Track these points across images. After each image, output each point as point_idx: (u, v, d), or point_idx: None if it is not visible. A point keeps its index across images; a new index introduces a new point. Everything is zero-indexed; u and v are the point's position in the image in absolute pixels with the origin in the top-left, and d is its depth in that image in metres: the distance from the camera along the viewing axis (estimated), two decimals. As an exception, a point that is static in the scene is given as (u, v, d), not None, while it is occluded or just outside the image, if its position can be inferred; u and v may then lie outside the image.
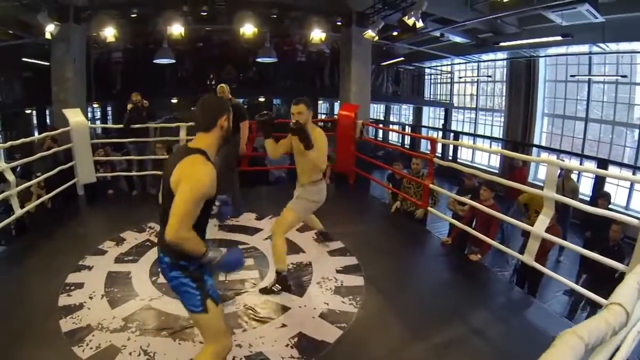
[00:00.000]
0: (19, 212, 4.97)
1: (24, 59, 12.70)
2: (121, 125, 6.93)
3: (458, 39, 11.78)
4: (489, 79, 14.73)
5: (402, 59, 15.45)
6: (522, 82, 12.53)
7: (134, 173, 7.07)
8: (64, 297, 3.54)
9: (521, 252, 3.95)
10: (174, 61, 10.89)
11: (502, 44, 10.56)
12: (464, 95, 16.38)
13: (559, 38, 8.79)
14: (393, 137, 19.03)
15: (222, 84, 5.40)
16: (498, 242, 4.44)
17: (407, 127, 18.82)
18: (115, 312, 3.32)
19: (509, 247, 4.31)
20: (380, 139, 17.36)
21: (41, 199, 5.67)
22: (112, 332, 3.06)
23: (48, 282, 3.81)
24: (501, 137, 13.55)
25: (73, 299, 3.51)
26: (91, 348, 2.88)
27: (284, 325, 3.14)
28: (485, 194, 4.66)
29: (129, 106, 6.98)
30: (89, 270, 4.03)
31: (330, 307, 3.39)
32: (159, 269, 2.43)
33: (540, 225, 3.61)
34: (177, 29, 8.13)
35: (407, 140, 17.29)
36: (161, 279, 3.79)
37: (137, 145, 7.06)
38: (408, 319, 3.29)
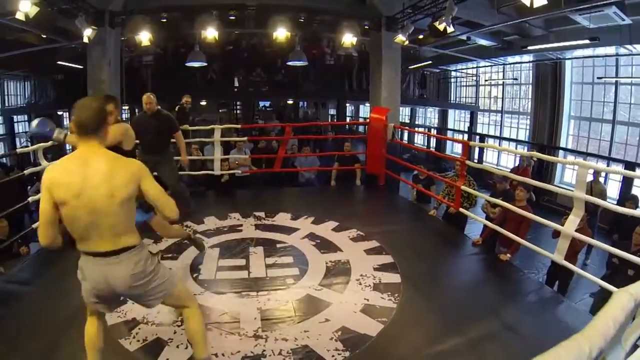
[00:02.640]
0: (57, 208, 5.11)
1: (58, 62, 13.04)
2: None
3: (484, 42, 11.71)
4: (515, 81, 14.58)
5: (429, 62, 15.42)
6: (548, 84, 12.34)
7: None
8: (107, 292, 3.64)
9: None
10: (205, 64, 11.05)
11: (530, 47, 10.46)
12: (490, 97, 16.25)
13: (586, 42, 8.69)
14: (418, 140, 18.96)
15: (149, 94, 5.14)
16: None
17: (432, 129, 18.71)
18: (159, 306, 3.37)
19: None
20: (406, 141, 17.30)
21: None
22: (158, 326, 3.12)
23: (89, 277, 3.90)
24: (527, 140, 13.38)
25: (115, 294, 3.60)
26: (138, 341, 2.94)
27: (327, 320, 3.18)
28: (521, 194, 4.65)
29: (177, 107, 7.15)
30: (129, 264, 4.12)
31: (371, 302, 3.43)
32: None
33: (571, 225, 3.65)
34: (211, 33, 8.30)
35: (433, 142, 17.21)
36: (202, 276, 3.90)
37: None
38: (444, 314, 3.34)
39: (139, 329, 3.09)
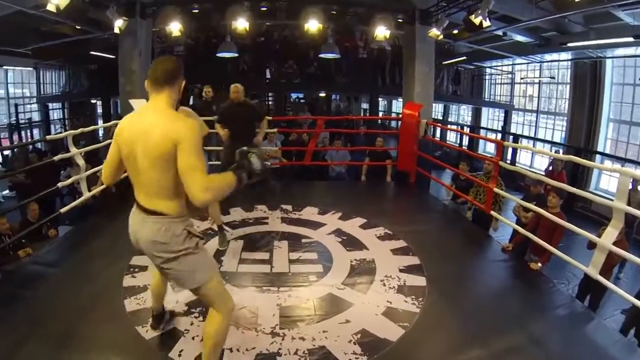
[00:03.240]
0: (86, 194, 5.20)
1: (91, 52, 13.31)
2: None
3: (521, 38, 11.32)
4: (552, 80, 14.07)
5: (464, 58, 15.07)
6: (586, 84, 11.81)
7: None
8: (129, 278, 3.66)
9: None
10: (236, 55, 11.07)
11: (569, 44, 10.04)
12: (525, 96, 15.76)
13: (630, 39, 8.27)
14: (451, 137, 18.60)
15: (236, 84, 5.30)
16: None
17: (465, 127, 18.32)
18: (178, 296, 3.33)
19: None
20: (438, 139, 16.99)
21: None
22: (176, 316, 3.10)
23: (113, 262, 3.95)
24: (562, 142, 12.91)
25: (137, 281, 3.62)
26: (155, 329, 2.93)
27: (347, 321, 3.10)
28: (554, 200, 4.45)
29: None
30: (152, 254, 4.13)
31: (393, 305, 3.33)
32: None
33: (608, 238, 3.41)
34: (242, 24, 8.29)
35: (465, 140, 16.85)
36: (224, 267, 3.88)
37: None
38: (468, 322, 3.21)
39: (157, 317, 3.07)
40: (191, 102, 11.21)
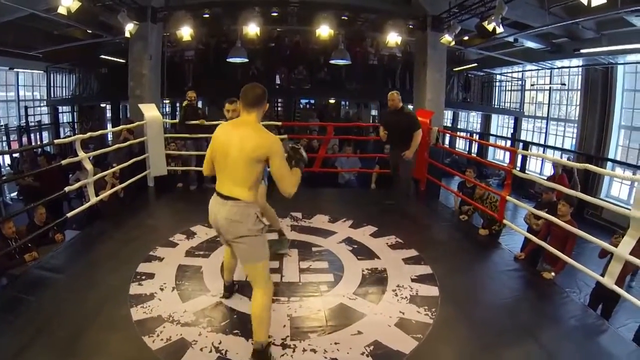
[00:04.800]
0: (94, 199, 5.18)
1: (101, 56, 13.38)
2: (176, 121, 7.24)
3: (532, 44, 11.24)
4: (562, 87, 13.94)
5: (475, 65, 14.97)
6: (598, 91, 11.68)
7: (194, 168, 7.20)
8: (135, 286, 3.60)
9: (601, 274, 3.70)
10: (247, 60, 11.02)
11: (582, 50, 9.93)
12: (535, 103, 15.62)
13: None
14: (460, 145, 18.48)
15: (394, 92, 5.90)
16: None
17: (475, 134, 18.21)
18: (186, 305, 3.33)
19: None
20: (447, 146, 16.88)
21: (115, 188, 5.88)
22: (183, 326, 3.05)
23: (119, 269, 3.91)
24: (573, 149, 12.76)
25: (144, 289, 3.56)
26: (161, 339, 2.88)
27: (359, 332, 3.02)
28: (563, 209, 4.35)
29: (185, 103, 7.15)
30: (159, 261, 4.09)
31: (406, 316, 3.25)
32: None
33: (626, 248, 3.32)
34: (252, 29, 8.28)
35: (474, 148, 16.71)
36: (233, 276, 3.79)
37: (194, 141, 7.19)
38: (482, 333, 3.13)
39: (164, 327, 3.04)
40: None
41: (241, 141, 2.53)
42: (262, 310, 2.64)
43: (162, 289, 3.56)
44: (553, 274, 4.13)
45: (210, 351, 2.78)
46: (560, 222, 4.12)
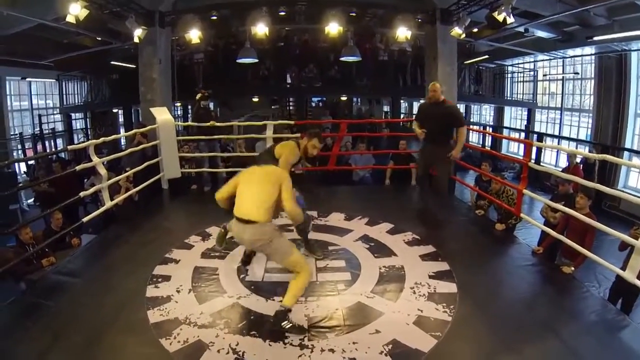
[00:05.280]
0: (109, 203, 5.21)
1: (111, 62, 13.50)
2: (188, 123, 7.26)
3: (542, 34, 11.08)
4: (576, 76, 13.70)
5: (486, 57, 14.80)
6: (612, 79, 11.42)
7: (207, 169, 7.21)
8: (152, 289, 3.61)
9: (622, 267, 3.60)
10: (256, 60, 11.04)
11: (595, 38, 9.74)
12: (548, 94, 15.38)
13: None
14: (473, 138, 18.30)
15: (435, 82, 5.56)
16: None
17: (488, 127, 17.98)
18: (203, 307, 3.33)
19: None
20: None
21: (129, 192, 5.92)
22: (200, 328, 3.05)
23: (136, 272, 3.93)
24: (588, 139, 12.54)
25: (160, 291, 3.57)
26: (179, 342, 2.89)
27: (377, 331, 2.99)
28: (581, 201, 4.25)
29: (198, 96, 7.14)
30: (175, 264, 4.10)
31: (424, 314, 3.21)
32: None
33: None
34: (261, 29, 8.31)
35: (488, 141, 16.51)
36: (249, 277, 3.81)
37: (207, 143, 7.21)
38: (501, 330, 3.09)
39: (181, 329, 3.04)
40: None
41: (261, 179, 3.20)
42: (300, 287, 3.08)
43: (178, 291, 3.57)
44: (572, 268, 4.04)
45: (228, 353, 2.77)
46: (579, 214, 4.03)
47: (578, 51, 12.49)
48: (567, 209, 4.23)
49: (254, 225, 2.99)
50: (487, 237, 5.03)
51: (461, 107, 19.32)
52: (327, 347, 2.83)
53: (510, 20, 6.56)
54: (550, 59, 14.27)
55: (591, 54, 12.18)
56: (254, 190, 3.10)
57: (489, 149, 14.13)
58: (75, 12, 6.19)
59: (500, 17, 6.43)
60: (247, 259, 3.95)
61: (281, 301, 3.05)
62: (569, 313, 3.38)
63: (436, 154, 5.25)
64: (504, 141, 16.16)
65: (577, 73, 13.54)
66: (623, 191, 8.59)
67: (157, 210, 6.05)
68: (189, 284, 3.70)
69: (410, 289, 3.60)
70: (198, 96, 7.12)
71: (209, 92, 7.24)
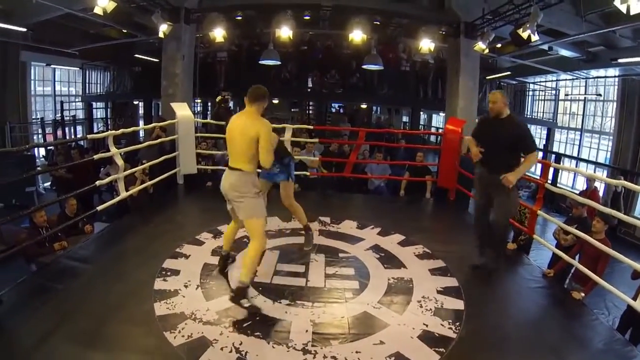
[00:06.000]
0: (123, 194, 5.29)
1: (135, 55, 13.69)
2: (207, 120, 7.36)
3: (566, 53, 10.97)
4: (598, 97, 13.53)
5: (508, 73, 14.70)
6: (635, 102, 11.30)
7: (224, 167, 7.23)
8: (160, 282, 3.65)
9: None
10: (279, 63, 11.07)
11: (620, 60, 9.62)
12: (568, 114, 15.22)
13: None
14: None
15: (495, 91, 4.34)
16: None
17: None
18: (209, 304, 3.34)
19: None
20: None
21: (145, 184, 5.99)
22: (205, 324, 3.07)
23: (146, 263, 3.97)
24: (607, 162, 12.37)
25: (168, 285, 3.60)
26: (183, 336, 2.90)
27: (381, 342, 2.96)
28: (598, 225, 4.18)
29: (219, 98, 7.21)
30: (185, 259, 4.13)
31: (430, 329, 3.18)
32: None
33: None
34: (285, 32, 8.37)
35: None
36: (258, 278, 3.80)
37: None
38: (506, 352, 3.05)
39: (186, 324, 3.06)
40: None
41: (244, 127, 3.36)
42: (254, 257, 3.31)
43: (186, 286, 3.60)
44: (583, 294, 3.95)
45: (231, 351, 2.78)
46: (592, 239, 3.96)
47: (601, 72, 12.36)
48: (579, 232, 4.16)
49: (237, 172, 3.37)
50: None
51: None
52: (329, 354, 2.81)
53: (535, 38, 6.51)
54: (572, 79, 14.15)
55: (615, 76, 12.05)
56: (234, 144, 3.41)
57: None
58: (103, 4, 6.31)
59: (524, 35, 6.39)
60: (224, 259, 3.94)
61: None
62: (576, 339, 3.31)
63: (493, 185, 4.02)
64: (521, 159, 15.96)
65: (600, 94, 13.40)
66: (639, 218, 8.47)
67: (170, 205, 6.11)
68: (197, 279, 3.72)
69: (418, 302, 3.57)
70: (218, 99, 7.19)
71: (229, 96, 7.29)
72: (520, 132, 4.00)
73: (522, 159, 3.97)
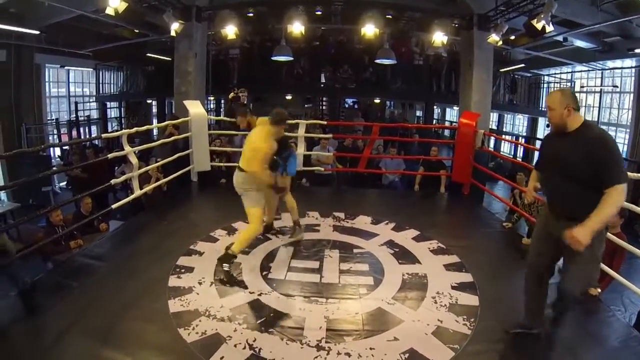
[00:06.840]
0: (138, 192, 5.33)
1: (148, 54, 13.79)
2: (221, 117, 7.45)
3: (582, 44, 10.79)
4: (615, 89, 13.28)
5: (522, 65, 14.50)
6: (653, 94, 11.12)
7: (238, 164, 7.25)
8: (174, 279, 3.67)
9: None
10: (291, 58, 11.06)
11: (637, 50, 9.43)
12: (584, 106, 14.97)
13: None
14: (504, 148, 17.94)
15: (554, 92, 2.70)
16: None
17: (520, 138, 17.64)
18: (223, 301, 3.35)
19: None
20: (492, 149, 16.42)
21: (159, 182, 6.03)
22: (219, 321, 3.08)
23: (160, 261, 4.00)
24: (625, 156, 12.14)
25: (183, 282, 3.62)
26: (197, 333, 2.92)
27: (395, 339, 2.94)
28: (613, 219, 4.09)
29: (231, 95, 7.20)
30: (199, 256, 4.16)
31: (444, 325, 3.15)
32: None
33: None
34: (297, 28, 8.37)
35: (520, 152, 16.16)
36: (272, 274, 3.84)
37: (242, 138, 7.23)
38: (521, 349, 3.00)
39: (200, 321, 3.07)
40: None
41: (250, 140, 3.91)
42: (248, 237, 3.80)
43: (200, 283, 3.61)
44: (599, 290, 3.86)
45: (244, 348, 2.78)
46: (609, 234, 3.86)
47: (618, 63, 12.13)
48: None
49: (242, 173, 3.85)
50: (514, 251, 4.85)
51: (494, 116, 18.75)
52: (343, 350, 2.80)
53: (550, 28, 6.39)
54: (588, 70, 13.90)
55: (632, 67, 11.80)
56: (244, 149, 3.97)
57: (520, 160, 13.82)
58: (115, 4, 6.35)
59: (539, 25, 6.27)
60: (267, 229, 4.62)
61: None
62: (592, 336, 3.25)
63: (563, 232, 2.49)
64: (536, 153, 15.79)
65: (616, 86, 13.14)
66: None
67: (184, 202, 6.14)
68: (211, 277, 3.73)
69: (432, 298, 3.54)
70: (231, 95, 7.19)
71: (243, 93, 7.29)
72: (600, 153, 2.42)
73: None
